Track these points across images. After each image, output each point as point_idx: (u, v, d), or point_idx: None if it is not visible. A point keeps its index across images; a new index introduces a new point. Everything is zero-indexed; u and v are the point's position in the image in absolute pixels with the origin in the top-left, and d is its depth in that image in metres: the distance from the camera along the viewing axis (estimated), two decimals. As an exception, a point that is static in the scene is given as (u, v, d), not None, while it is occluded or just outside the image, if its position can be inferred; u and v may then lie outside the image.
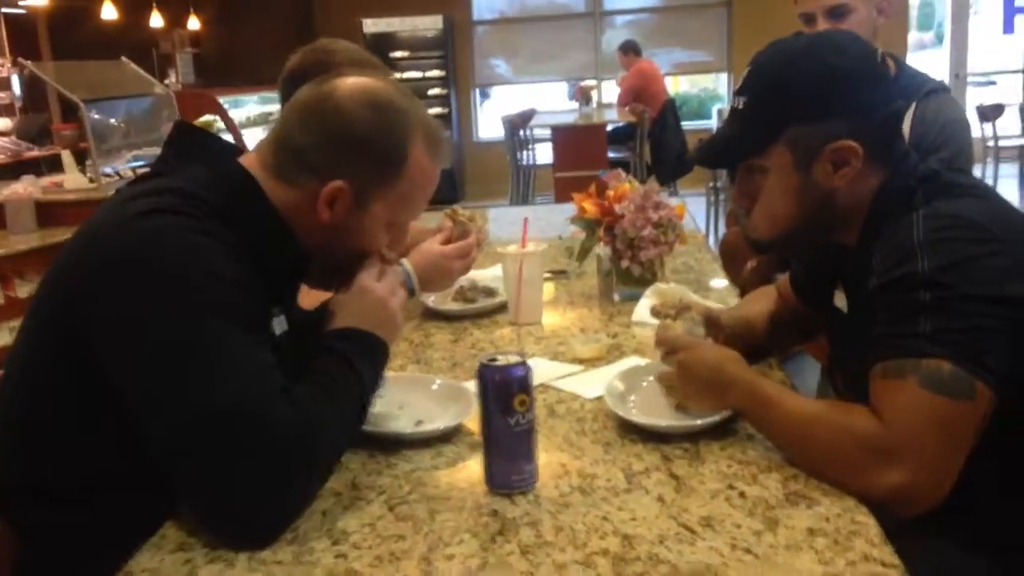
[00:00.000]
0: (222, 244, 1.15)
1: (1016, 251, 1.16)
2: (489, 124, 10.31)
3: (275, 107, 7.93)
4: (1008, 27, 10.48)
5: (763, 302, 1.67)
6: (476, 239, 2.01)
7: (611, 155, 7.56)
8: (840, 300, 1.40)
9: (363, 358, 1.25)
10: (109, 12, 8.82)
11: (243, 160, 1.29)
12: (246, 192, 1.24)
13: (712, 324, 1.52)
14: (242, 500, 1.06)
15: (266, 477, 1.06)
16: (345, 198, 1.23)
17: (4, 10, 9.12)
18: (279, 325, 1.27)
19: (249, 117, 7.25)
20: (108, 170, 4.69)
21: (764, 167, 1.30)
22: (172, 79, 9.33)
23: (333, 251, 1.29)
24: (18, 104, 9.08)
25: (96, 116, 4.78)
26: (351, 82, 1.26)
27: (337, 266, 1.32)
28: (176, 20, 9.59)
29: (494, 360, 1.18)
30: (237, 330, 1.11)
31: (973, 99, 9.01)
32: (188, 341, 1.08)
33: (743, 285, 2.18)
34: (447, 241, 1.99)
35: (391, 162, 1.25)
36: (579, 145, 7.44)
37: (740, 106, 1.32)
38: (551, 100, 10.43)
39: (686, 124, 8.48)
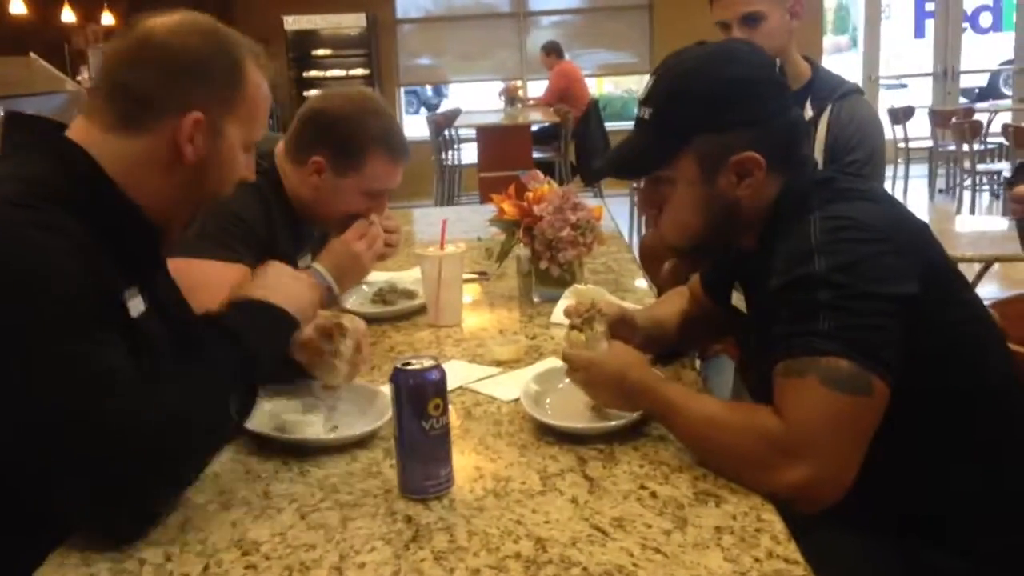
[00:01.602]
0: (61, 234, 1.09)
1: (906, 251, 1.20)
2: (414, 124, 10.26)
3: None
4: (919, 32, 10.86)
5: (675, 302, 1.70)
6: (380, 220, 1.97)
7: (536, 155, 7.59)
8: (738, 300, 1.44)
9: (254, 328, 1.24)
10: (17, 7, 8.51)
11: (73, 131, 1.22)
12: (79, 168, 1.18)
13: (627, 326, 1.53)
14: (97, 496, 1.04)
15: (115, 472, 1.03)
16: (204, 128, 1.21)
17: (-95, 3, 8.73)
18: (135, 307, 1.22)
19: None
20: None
21: (671, 178, 1.33)
22: (84, 76, 9.04)
23: (197, 192, 1.27)
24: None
25: (2, 113, 4.62)
26: (166, 17, 1.24)
27: (195, 206, 1.30)
28: (89, 15, 9.28)
29: (408, 364, 1.17)
30: (78, 328, 1.06)
31: (885, 102, 9.30)
32: (26, 342, 1.04)
33: (661, 285, 2.21)
34: None
35: (232, 82, 1.24)
36: (504, 145, 7.44)
37: (646, 116, 1.34)
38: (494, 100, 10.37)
39: (609, 125, 8.55)
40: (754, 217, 1.33)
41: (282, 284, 1.33)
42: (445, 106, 10.83)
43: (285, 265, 1.38)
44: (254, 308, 1.28)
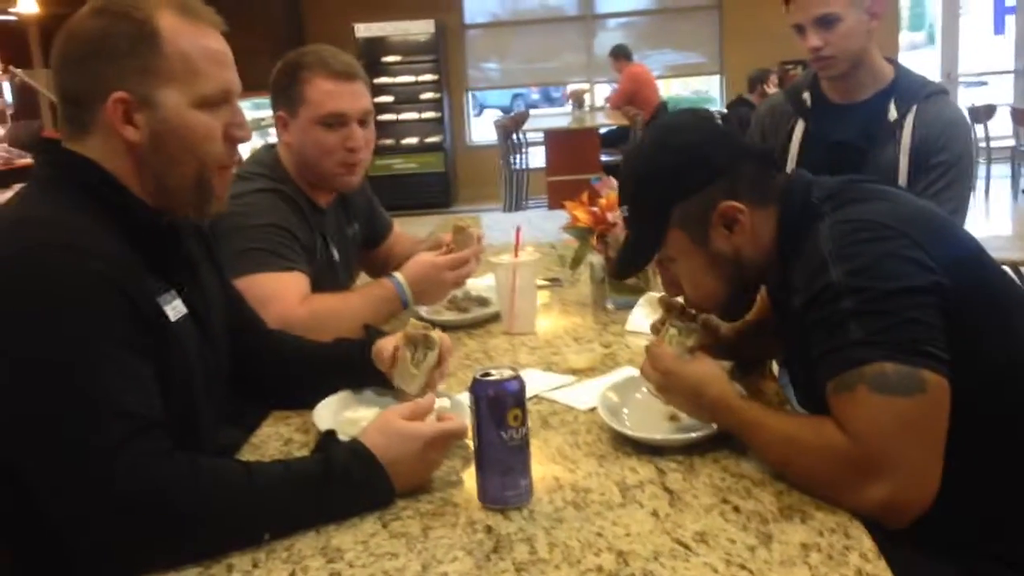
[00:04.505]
0: (92, 254, 1.11)
1: (921, 243, 1.17)
2: (482, 127, 10.31)
3: (268, 112, 7.91)
4: (999, 27, 10.52)
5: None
6: (475, 251, 1.99)
7: (604, 159, 7.55)
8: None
9: (348, 496, 1.16)
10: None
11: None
12: (78, 177, 1.19)
13: (710, 333, 1.52)
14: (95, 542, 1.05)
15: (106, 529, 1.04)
16: (134, 105, 1.16)
17: (-5, 17, 9.06)
18: (174, 310, 1.23)
19: (242, 123, 7.22)
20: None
21: (670, 256, 1.36)
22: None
23: (174, 169, 1.20)
24: (10, 112, 9.01)
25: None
26: (82, 9, 1.19)
27: (186, 183, 1.23)
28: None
29: (487, 374, 1.17)
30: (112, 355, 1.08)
31: (964, 100, 9.03)
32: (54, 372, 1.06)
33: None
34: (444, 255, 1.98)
35: (143, 48, 1.16)
36: (572, 149, 7.43)
37: (625, 214, 1.40)
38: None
39: (679, 127, 8.48)
40: (765, 254, 1.33)
41: (406, 463, 1.20)
42: (560, 109, 10.82)
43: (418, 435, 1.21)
44: (366, 479, 1.17)
